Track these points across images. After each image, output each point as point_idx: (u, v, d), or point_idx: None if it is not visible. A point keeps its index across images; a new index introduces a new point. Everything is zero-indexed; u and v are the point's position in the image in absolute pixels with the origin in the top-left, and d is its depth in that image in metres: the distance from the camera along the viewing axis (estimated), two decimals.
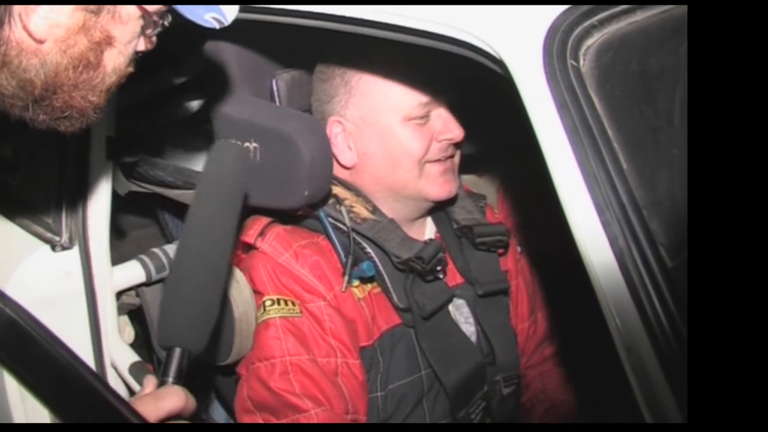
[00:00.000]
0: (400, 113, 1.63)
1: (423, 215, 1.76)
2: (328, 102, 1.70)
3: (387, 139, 1.64)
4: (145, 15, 1.09)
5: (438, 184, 1.66)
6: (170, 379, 1.13)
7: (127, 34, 1.09)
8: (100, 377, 0.75)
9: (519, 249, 1.94)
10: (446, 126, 1.64)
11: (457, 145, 1.69)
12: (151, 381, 1.16)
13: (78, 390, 0.72)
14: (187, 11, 1.08)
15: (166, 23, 1.12)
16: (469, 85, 1.67)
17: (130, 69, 1.14)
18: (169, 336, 1.15)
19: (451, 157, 1.68)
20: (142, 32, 1.12)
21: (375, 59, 1.64)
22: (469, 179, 2.07)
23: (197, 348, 1.15)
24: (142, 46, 1.13)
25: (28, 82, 1.04)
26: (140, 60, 1.71)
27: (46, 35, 1.02)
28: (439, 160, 1.66)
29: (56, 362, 0.71)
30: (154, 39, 1.15)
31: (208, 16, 1.10)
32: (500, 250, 1.82)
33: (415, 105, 1.63)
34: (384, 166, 1.65)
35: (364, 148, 1.66)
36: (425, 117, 1.64)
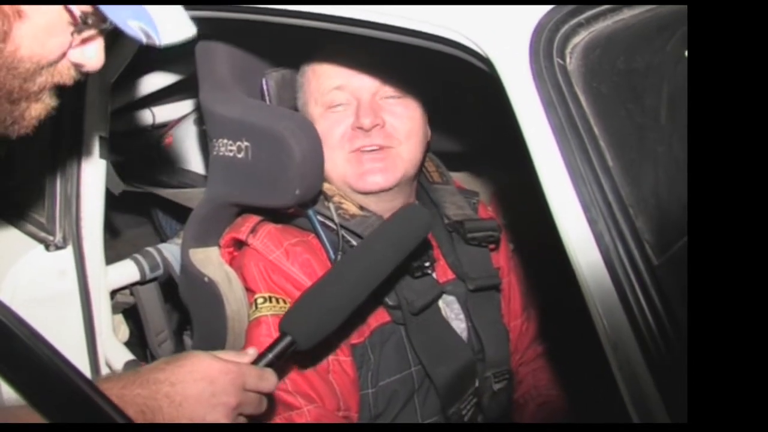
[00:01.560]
0: (320, 101, 1.67)
1: None
2: (295, 99, 1.76)
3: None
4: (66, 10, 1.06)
5: (357, 175, 1.64)
6: (271, 356, 1.27)
7: (42, 16, 1.04)
8: (85, 376, 0.75)
9: (511, 246, 1.94)
10: (358, 113, 1.63)
11: (388, 137, 1.64)
12: (252, 351, 1.28)
13: (62, 389, 0.72)
14: (110, 13, 1.04)
15: (89, 22, 1.08)
16: (444, 78, 1.68)
17: (62, 79, 1.12)
18: (292, 325, 1.30)
19: (381, 148, 1.64)
20: (73, 29, 1.08)
21: (314, 55, 1.70)
22: (461, 177, 2.07)
23: (304, 346, 1.30)
24: (77, 55, 1.11)
25: None
26: (133, 61, 1.73)
27: None
28: (360, 150, 1.64)
29: (40, 360, 0.71)
30: (96, 51, 1.12)
31: (133, 24, 1.06)
32: (492, 246, 1.81)
33: (325, 90, 1.66)
34: None
35: None
36: (343, 105, 1.65)
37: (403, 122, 1.66)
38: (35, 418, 0.69)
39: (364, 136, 1.62)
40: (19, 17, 1.03)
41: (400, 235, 1.44)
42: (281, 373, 1.50)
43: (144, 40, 1.08)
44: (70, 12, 1.06)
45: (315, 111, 1.68)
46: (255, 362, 1.26)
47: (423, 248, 1.60)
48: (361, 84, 1.65)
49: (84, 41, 1.12)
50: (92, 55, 1.14)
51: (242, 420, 1.22)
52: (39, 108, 1.14)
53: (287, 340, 1.28)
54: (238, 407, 1.18)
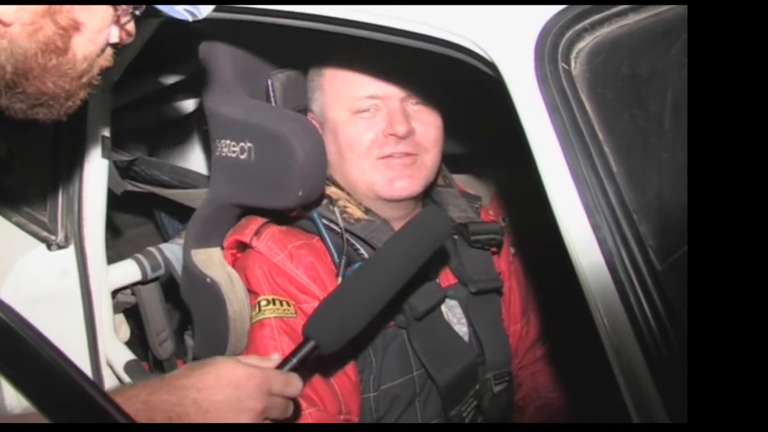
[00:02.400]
0: (346, 106, 1.66)
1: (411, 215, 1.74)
2: (308, 99, 1.76)
3: (337, 133, 1.66)
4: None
5: (385, 181, 1.64)
6: (295, 360, 1.27)
7: (96, 21, 1.08)
8: (88, 377, 0.75)
9: (512, 251, 1.94)
10: (390, 120, 1.63)
11: (416, 145, 1.65)
12: (276, 356, 1.31)
13: (66, 390, 0.72)
14: (163, 7, 1.11)
15: (137, 13, 1.13)
16: (457, 85, 1.68)
17: (106, 62, 1.14)
18: (316, 329, 1.30)
19: (409, 155, 1.65)
20: (115, 21, 1.12)
21: (335, 56, 1.69)
22: (463, 180, 2.07)
23: (327, 350, 1.30)
24: (116, 37, 1.13)
25: None
26: (135, 61, 1.73)
27: (13, 18, 1.01)
28: (390, 156, 1.64)
29: (44, 362, 0.71)
30: (131, 30, 1.15)
31: (180, 8, 1.12)
32: (493, 249, 1.82)
33: (356, 98, 1.65)
34: (338, 161, 1.67)
35: (327, 143, 1.65)
36: (371, 110, 1.65)
37: (429, 130, 1.67)
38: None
39: (396, 143, 1.63)
40: (77, 30, 1.06)
41: (421, 239, 1.44)
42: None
43: (190, 19, 1.14)
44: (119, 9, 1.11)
45: (339, 115, 1.67)
46: (279, 367, 1.26)
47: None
48: (391, 91, 1.64)
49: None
50: (129, 31, 1.17)
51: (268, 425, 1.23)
52: (86, 93, 1.16)
53: (311, 344, 1.29)
54: (264, 412, 1.20)
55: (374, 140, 1.63)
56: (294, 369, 1.27)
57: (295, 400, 1.28)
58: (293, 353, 1.29)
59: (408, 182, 1.64)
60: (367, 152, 1.64)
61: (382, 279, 1.38)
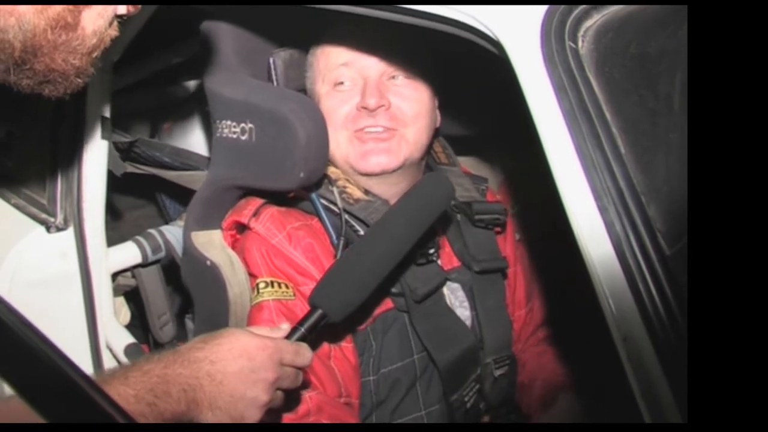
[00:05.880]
0: (326, 78, 1.66)
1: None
2: (305, 79, 1.75)
3: (319, 107, 1.64)
4: None
5: (358, 155, 1.62)
6: (303, 329, 1.31)
7: None
8: (77, 366, 0.72)
9: (517, 236, 1.91)
10: (364, 92, 1.61)
11: (393, 119, 1.62)
12: (285, 326, 1.34)
13: (57, 383, 0.69)
14: None
15: None
16: (454, 62, 1.65)
17: (114, 32, 1.12)
18: (322, 298, 1.34)
19: (387, 129, 1.61)
20: None
21: (327, 34, 1.68)
22: (470, 162, 2.05)
23: (335, 318, 1.34)
24: (123, 8, 1.11)
25: (7, 43, 1.02)
26: (136, 41, 1.71)
27: None
28: (363, 130, 1.62)
29: (32, 352, 0.68)
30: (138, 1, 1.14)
31: None
32: (497, 229, 1.80)
33: (332, 66, 1.65)
34: None
35: None
36: (349, 84, 1.64)
37: (410, 104, 1.63)
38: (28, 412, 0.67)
39: (369, 116, 1.60)
40: (86, 5, 1.05)
41: (424, 203, 1.45)
42: None
43: None
44: None
45: (322, 89, 1.67)
46: (288, 337, 1.29)
47: (428, 235, 1.58)
48: (369, 63, 1.63)
49: None
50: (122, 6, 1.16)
51: (280, 395, 1.26)
52: (93, 68, 1.15)
53: (318, 313, 1.31)
54: (276, 382, 1.23)
55: (349, 114, 1.62)
56: (302, 338, 1.30)
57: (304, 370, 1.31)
58: (301, 322, 1.31)
59: (384, 157, 1.61)
60: (342, 125, 1.62)
61: (387, 245, 1.39)
